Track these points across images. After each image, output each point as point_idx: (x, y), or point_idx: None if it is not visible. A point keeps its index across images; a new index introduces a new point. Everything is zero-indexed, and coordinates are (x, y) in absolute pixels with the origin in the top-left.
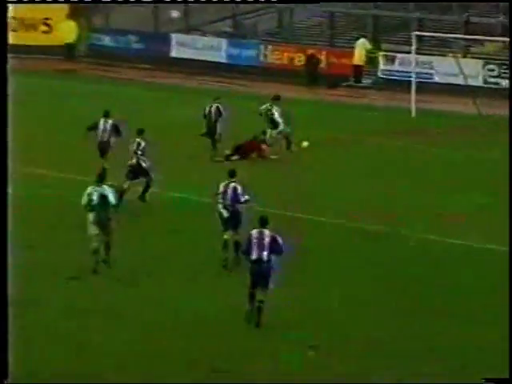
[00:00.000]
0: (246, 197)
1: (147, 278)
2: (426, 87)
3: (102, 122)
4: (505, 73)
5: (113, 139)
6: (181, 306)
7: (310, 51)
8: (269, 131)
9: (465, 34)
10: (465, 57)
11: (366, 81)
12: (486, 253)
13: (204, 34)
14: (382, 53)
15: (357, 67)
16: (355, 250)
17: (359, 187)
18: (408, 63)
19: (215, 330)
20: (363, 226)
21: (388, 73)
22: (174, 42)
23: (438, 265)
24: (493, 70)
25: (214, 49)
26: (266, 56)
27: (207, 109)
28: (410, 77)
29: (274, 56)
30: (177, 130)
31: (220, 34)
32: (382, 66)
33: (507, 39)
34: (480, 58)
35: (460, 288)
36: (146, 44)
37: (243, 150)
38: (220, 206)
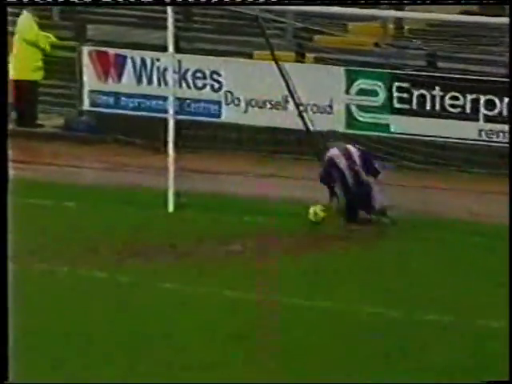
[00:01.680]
0: None
1: None
2: (203, 136)
3: None
4: (408, 94)
5: None
6: None
7: None
8: None
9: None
10: (300, 59)
11: (49, 121)
12: None
13: None
14: (88, 48)
15: (23, 86)
16: None
17: None
18: (160, 75)
19: None
20: None
21: (106, 100)
22: None
23: None
24: (369, 93)
25: None
26: None
27: None
28: (165, 111)
29: None
30: None
31: None
32: (88, 82)
33: (404, 15)
34: (337, 63)
35: None
36: None
37: None
38: None
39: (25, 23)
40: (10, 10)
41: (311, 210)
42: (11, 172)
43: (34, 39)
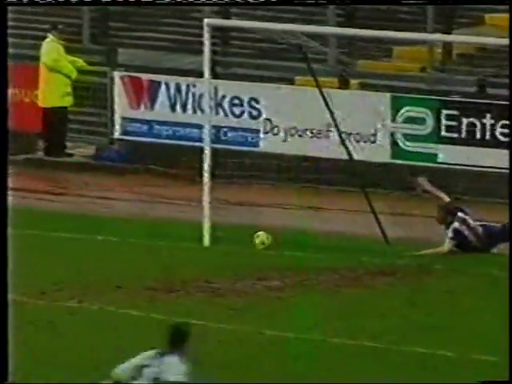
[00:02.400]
0: None
1: None
2: (240, 166)
3: None
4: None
5: None
6: None
7: None
8: None
9: (344, 25)
10: (344, 85)
11: (78, 150)
12: None
13: None
14: (119, 74)
15: (50, 113)
16: None
17: None
18: (196, 102)
19: None
20: None
21: (139, 128)
22: None
23: None
24: (416, 121)
25: None
26: None
27: None
28: (201, 140)
29: None
30: None
31: None
32: (119, 109)
33: (446, 38)
34: (382, 89)
35: None
36: None
37: None
38: None
39: (45, 48)
40: (35, 33)
41: (261, 239)
42: (39, 204)
43: (52, 65)
